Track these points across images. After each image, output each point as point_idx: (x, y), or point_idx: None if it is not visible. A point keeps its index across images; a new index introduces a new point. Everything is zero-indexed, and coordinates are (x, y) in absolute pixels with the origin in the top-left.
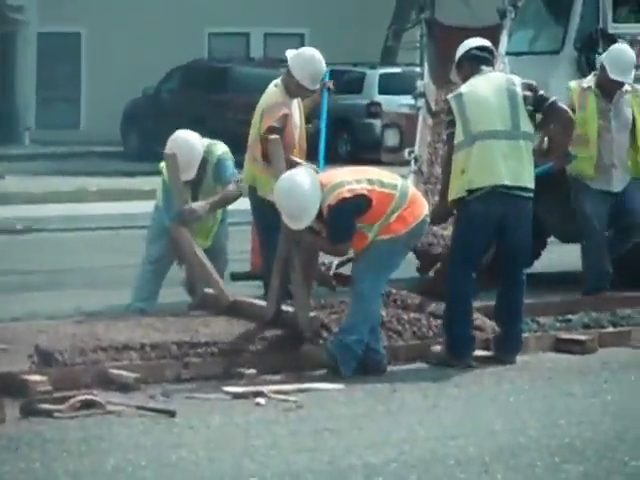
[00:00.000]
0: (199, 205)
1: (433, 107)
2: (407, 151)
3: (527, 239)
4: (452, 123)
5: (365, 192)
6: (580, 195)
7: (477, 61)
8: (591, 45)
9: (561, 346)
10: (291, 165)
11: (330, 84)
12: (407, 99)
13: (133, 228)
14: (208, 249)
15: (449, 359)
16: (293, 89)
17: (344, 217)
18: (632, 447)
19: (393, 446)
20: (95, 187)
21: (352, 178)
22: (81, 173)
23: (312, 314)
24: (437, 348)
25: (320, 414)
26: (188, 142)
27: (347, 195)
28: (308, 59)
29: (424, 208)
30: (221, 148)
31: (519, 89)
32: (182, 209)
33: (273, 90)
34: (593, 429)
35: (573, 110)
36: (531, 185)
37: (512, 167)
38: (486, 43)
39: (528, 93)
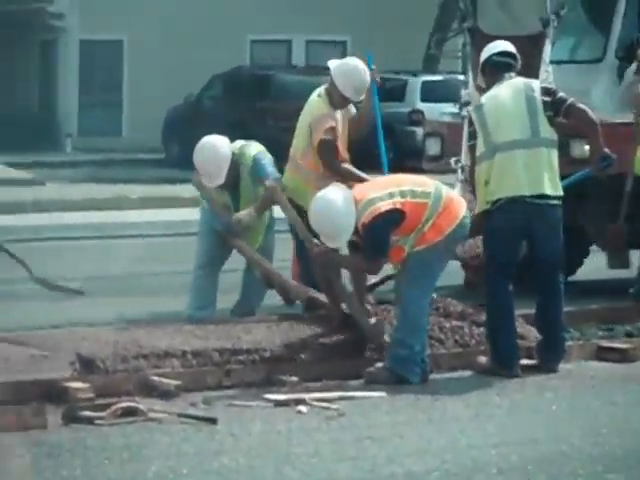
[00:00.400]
0: (244, 214)
1: None
2: (454, 160)
3: (557, 247)
4: (474, 135)
5: (398, 206)
6: None
7: (497, 67)
8: (633, 53)
9: (603, 354)
10: (352, 175)
11: (377, 75)
12: (449, 107)
13: (174, 236)
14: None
15: (496, 369)
16: (337, 100)
17: (379, 234)
18: None
19: (435, 455)
20: (135, 194)
21: (385, 192)
22: (122, 180)
23: (373, 320)
24: (483, 359)
25: (362, 422)
26: (213, 147)
27: (381, 211)
28: (352, 70)
29: (460, 212)
30: (256, 148)
31: (538, 95)
32: (229, 222)
33: (317, 101)
34: (636, 438)
35: None
36: (555, 192)
37: (533, 176)
38: (508, 48)
39: (547, 98)
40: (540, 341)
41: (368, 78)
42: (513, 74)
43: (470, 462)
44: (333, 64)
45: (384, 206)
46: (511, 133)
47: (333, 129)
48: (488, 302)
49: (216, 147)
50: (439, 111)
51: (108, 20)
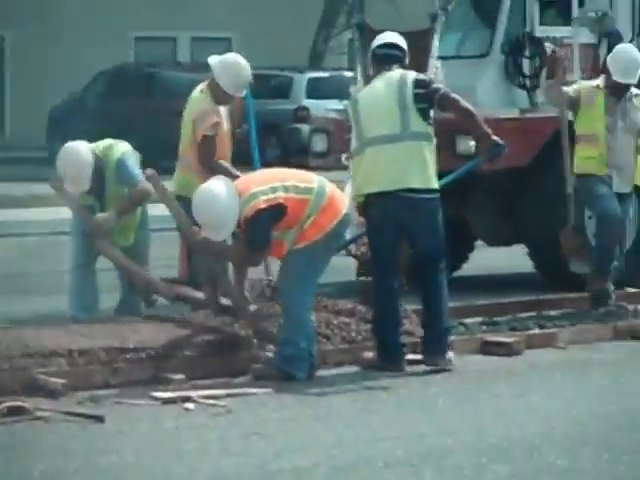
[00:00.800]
0: (104, 217)
1: None
2: (344, 156)
3: (435, 241)
4: (349, 129)
5: (281, 201)
6: (591, 195)
7: (380, 59)
8: (518, 48)
9: (488, 349)
10: (226, 173)
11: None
12: (335, 104)
13: (58, 234)
14: (128, 252)
15: (382, 364)
16: (219, 96)
17: (260, 228)
18: (558, 446)
19: (322, 450)
20: (20, 193)
21: (267, 187)
22: (4, 178)
23: (252, 308)
24: (369, 354)
25: (249, 418)
26: (75, 153)
27: (263, 206)
28: (232, 66)
29: (341, 209)
30: (120, 149)
31: (410, 87)
32: (90, 225)
33: (199, 97)
34: (520, 429)
35: (577, 108)
36: (425, 185)
37: (400, 171)
38: (394, 39)
39: (421, 90)
40: (423, 335)
41: (249, 73)
42: (396, 66)
43: (356, 457)
44: (213, 60)
45: (266, 201)
46: (380, 128)
47: (217, 124)
48: (374, 297)
49: (78, 153)
50: (325, 107)
51: None
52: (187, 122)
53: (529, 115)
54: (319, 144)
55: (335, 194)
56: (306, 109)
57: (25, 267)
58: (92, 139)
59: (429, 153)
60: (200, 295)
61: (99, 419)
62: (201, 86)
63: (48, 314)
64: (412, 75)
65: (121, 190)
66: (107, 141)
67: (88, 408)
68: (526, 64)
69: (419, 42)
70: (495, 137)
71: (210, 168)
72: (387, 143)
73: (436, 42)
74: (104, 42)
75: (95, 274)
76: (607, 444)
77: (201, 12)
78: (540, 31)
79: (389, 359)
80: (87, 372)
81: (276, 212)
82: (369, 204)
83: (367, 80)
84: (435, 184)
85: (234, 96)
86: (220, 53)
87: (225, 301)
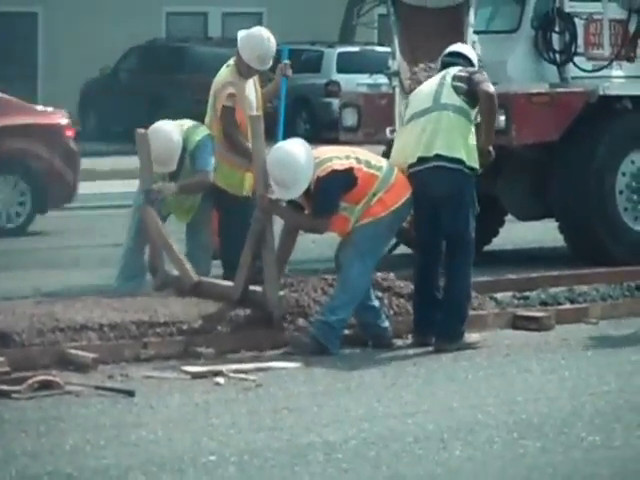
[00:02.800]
0: (167, 186)
1: (407, 86)
2: (389, 130)
3: (454, 217)
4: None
5: (354, 166)
6: None
7: (445, 66)
8: (548, 24)
9: (519, 323)
10: (245, 154)
11: (288, 70)
12: (365, 78)
13: (92, 209)
14: (189, 226)
15: (416, 339)
16: (243, 69)
17: (332, 189)
18: (588, 423)
19: (352, 424)
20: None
21: (343, 154)
22: None
23: (281, 293)
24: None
25: (279, 393)
26: (166, 135)
27: (337, 168)
28: (257, 40)
29: (406, 191)
30: (201, 133)
31: (451, 73)
32: (149, 189)
33: (224, 71)
34: (550, 405)
35: None
36: (449, 154)
37: (428, 139)
38: (459, 48)
39: (464, 74)
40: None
41: (273, 47)
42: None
43: (387, 431)
44: (240, 34)
45: (341, 164)
46: (418, 105)
47: (233, 95)
48: (414, 273)
49: (171, 135)
50: (355, 82)
51: None
52: (211, 96)
53: (559, 90)
54: (349, 119)
55: (401, 177)
56: (336, 83)
57: (54, 242)
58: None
59: (460, 124)
60: (221, 288)
61: (129, 393)
62: (230, 60)
63: (82, 288)
64: (457, 67)
65: (193, 171)
66: (191, 122)
67: (118, 382)
68: (556, 39)
69: (450, 18)
70: (490, 148)
71: (234, 140)
72: (419, 117)
73: (471, 17)
74: (136, 18)
75: (145, 246)
76: (638, 420)
77: None
78: (569, 6)
79: (422, 334)
80: (117, 346)
81: (348, 178)
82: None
83: (407, 56)
84: (462, 155)
85: (258, 69)
86: (250, 28)
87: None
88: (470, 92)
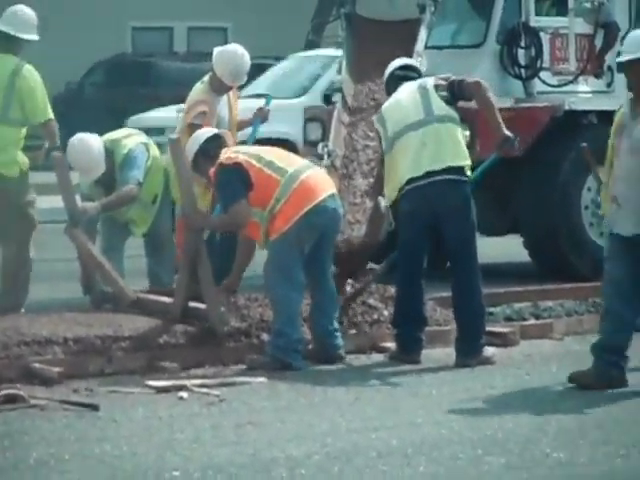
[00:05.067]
0: (91, 206)
1: (350, 102)
2: (321, 145)
3: (461, 227)
4: (381, 146)
5: (242, 162)
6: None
7: (400, 80)
8: (513, 39)
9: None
10: None
11: (267, 115)
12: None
13: (53, 223)
14: (149, 241)
15: (398, 356)
16: (217, 85)
17: (226, 179)
18: (554, 439)
19: (315, 439)
20: None
21: (235, 150)
22: None
23: (222, 309)
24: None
25: (242, 407)
26: (84, 143)
27: (223, 161)
28: (230, 55)
29: (311, 199)
30: (128, 145)
31: (430, 83)
32: (73, 210)
33: (198, 87)
34: (515, 421)
35: None
36: (459, 163)
37: (432, 152)
38: (409, 62)
39: (441, 82)
40: (456, 334)
41: (247, 63)
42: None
43: (350, 446)
44: (215, 50)
45: (227, 158)
46: (404, 119)
47: (203, 114)
48: (397, 290)
49: (88, 142)
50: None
51: None
52: (184, 109)
53: (524, 105)
54: (313, 132)
55: (309, 183)
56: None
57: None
58: (89, 129)
59: (457, 134)
60: (162, 303)
61: (94, 407)
62: (205, 77)
63: (47, 302)
64: (430, 78)
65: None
66: (118, 133)
67: (83, 396)
68: (521, 54)
69: (407, 32)
70: (506, 131)
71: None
72: (413, 130)
73: (423, 32)
74: (102, 32)
75: (122, 259)
76: (603, 437)
77: (197, 2)
78: (535, 21)
79: (409, 351)
80: (82, 360)
81: (236, 170)
82: (401, 196)
83: (354, 72)
84: (466, 164)
85: (229, 85)
86: (217, 43)
87: (193, 304)
88: (455, 96)
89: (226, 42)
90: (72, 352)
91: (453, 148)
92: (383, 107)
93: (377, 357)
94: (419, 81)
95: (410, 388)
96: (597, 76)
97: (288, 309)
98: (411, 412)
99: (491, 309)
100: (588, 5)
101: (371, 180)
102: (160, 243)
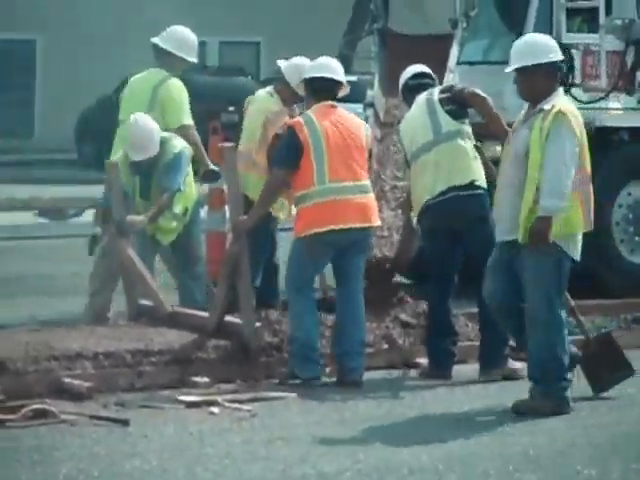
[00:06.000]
0: (139, 219)
1: (382, 117)
2: None
3: (481, 240)
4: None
5: (295, 126)
6: None
7: (414, 89)
8: None
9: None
10: None
11: None
12: (359, 107)
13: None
14: (179, 256)
15: (430, 372)
16: (288, 97)
17: (283, 142)
18: (585, 454)
19: (347, 455)
20: (48, 195)
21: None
22: (35, 181)
23: (257, 325)
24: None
25: (274, 423)
26: (146, 122)
27: (289, 122)
28: (303, 67)
29: (327, 223)
30: (178, 147)
31: (436, 95)
32: (122, 221)
33: (269, 99)
34: (546, 437)
35: None
36: (471, 178)
37: (445, 171)
38: (420, 68)
39: (445, 95)
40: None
41: None
42: (430, 90)
43: (382, 462)
44: (283, 64)
45: (291, 121)
46: (417, 140)
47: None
48: (429, 307)
49: (150, 121)
50: (353, 111)
51: (21, 20)
52: (255, 124)
53: None
54: None
55: (331, 207)
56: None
57: (50, 269)
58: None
59: (468, 148)
60: (196, 319)
61: (124, 423)
62: (268, 90)
63: (74, 316)
64: (437, 88)
65: (161, 187)
66: (164, 133)
67: (113, 411)
68: None
69: (440, 47)
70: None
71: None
72: (426, 152)
73: (455, 48)
74: (134, 46)
75: (153, 272)
76: (635, 453)
77: (229, 16)
78: (567, 37)
79: (442, 366)
80: (112, 375)
81: (296, 137)
82: (422, 214)
83: (386, 87)
84: (481, 179)
85: (302, 96)
86: (249, 57)
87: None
88: (460, 104)
89: (258, 57)
90: (102, 367)
91: (464, 165)
92: (400, 125)
93: (409, 372)
94: (426, 95)
95: (441, 404)
96: (628, 93)
97: (296, 315)
98: (442, 428)
99: None
100: (619, 22)
101: (399, 212)
102: (191, 258)
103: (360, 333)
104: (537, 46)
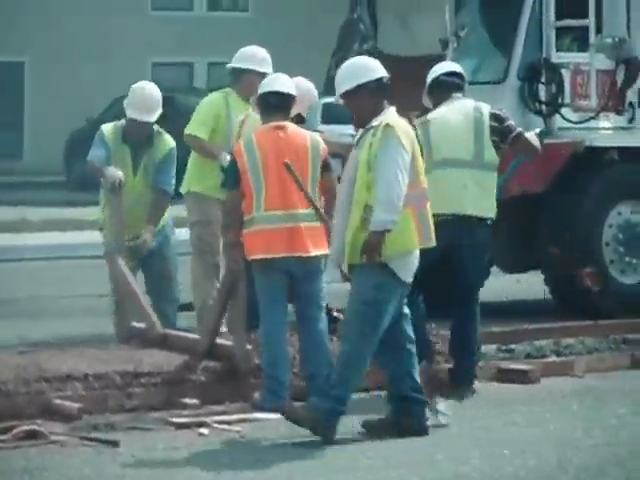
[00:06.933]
0: (148, 237)
1: None
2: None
3: (476, 270)
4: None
5: (237, 153)
6: None
7: (446, 87)
8: (534, 75)
9: (504, 376)
10: None
11: None
12: (350, 129)
13: (77, 258)
14: (155, 279)
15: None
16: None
17: (229, 165)
18: (574, 476)
19: (335, 476)
20: (37, 217)
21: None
22: (23, 203)
23: (248, 347)
24: None
25: (262, 444)
26: (152, 87)
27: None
28: (307, 90)
29: (264, 250)
30: (170, 143)
31: (486, 119)
32: (119, 236)
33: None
34: (536, 458)
35: None
36: (485, 214)
37: (467, 197)
38: (456, 68)
39: (495, 124)
40: (452, 367)
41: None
42: (460, 94)
43: None
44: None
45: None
46: (454, 151)
47: None
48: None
49: (155, 87)
50: (340, 133)
51: (9, 42)
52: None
53: (545, 141)
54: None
55: (263, 236)
56: (320, 134)
57: (40, 291)
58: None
59: (494, 183)
60: (188, 341)
61: (114, 444)
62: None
63: (70, 338)
64: (487, 107)
65: (151, 173)
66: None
67: (103, 433)
68: (542, 90)
69: (429, 68)
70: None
71: None
72: (460, 168)
73: None
74: (122, 68)
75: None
76: (624, 474)
77: (218, 38)
78: (557, 57)
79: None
80: (102, 396)
81: (235, 166)
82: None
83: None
84: (493, 213)
85: (303, 116)
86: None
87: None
88: (501, 131)
89: None
90: (92, 388)
91: (487, 199)
92: (430, 117)
93: None
94: (474, 109)
95: (430, 424)
96: (618, 112)
97: (265, 338)
98: (432, 449)
99: (512, 346)
100: (609, 41)
101: None
102: (167, 283)
103: (323, 357)
104: (355, 68)
